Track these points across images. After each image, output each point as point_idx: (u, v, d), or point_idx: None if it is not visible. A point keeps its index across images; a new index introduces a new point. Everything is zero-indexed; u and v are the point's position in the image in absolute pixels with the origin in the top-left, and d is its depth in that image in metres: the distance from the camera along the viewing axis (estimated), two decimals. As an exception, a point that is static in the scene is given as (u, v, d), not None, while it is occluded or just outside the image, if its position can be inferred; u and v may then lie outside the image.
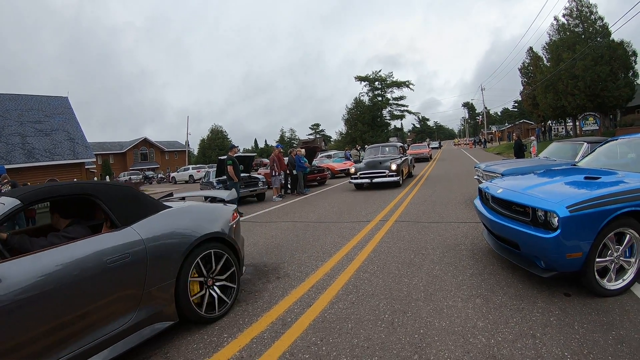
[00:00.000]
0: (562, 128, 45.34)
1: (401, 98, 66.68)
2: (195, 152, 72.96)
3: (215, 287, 3.58)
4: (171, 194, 5.04)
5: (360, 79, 65.23)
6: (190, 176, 36.37)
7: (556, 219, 3.15)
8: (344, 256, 5.28)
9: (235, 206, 4.49)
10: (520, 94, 44.80)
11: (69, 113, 27.65)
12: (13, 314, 2.24)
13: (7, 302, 2.22)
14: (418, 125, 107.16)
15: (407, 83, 65.51)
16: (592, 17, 28.29)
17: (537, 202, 3.44)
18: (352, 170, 13.86)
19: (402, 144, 17.70)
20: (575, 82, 26.96)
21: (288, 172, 14.41)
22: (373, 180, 12.99)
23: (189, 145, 56.27)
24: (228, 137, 68.27)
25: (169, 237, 3.23)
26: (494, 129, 78.39)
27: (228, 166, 10.27)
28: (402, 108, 67.66)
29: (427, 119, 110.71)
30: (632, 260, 3.36)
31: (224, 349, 2.99)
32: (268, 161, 18.21)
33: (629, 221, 3.24)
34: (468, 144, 65.58)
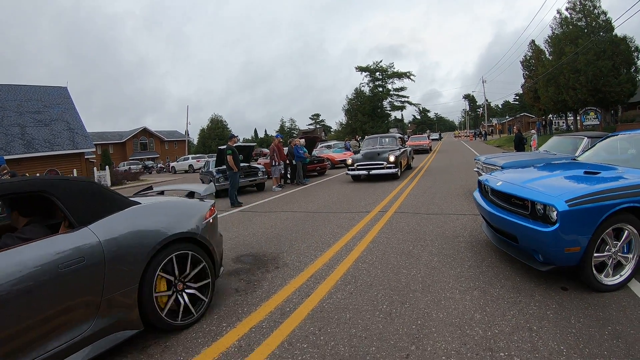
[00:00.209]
0: (563, 122, 45.20)
1: (402, 89, 66.47)
2: (195, 142, 72.68)
3: (186, 292, 3.30)
4: (150, 187, 4.80)
5: (361, 69, 64.87)
6: (190, 166, 36.32)
7: (555, 213, 3.15)
8: (342, 247, 5.30)
9: (213, 202, 4.16)
10: (521, 86, 44.54)
11: (68, 103, 27.53)
12: None
13: None
14: (418, 117, 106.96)
15: (408, 74, 65.24)
16: (596, 11, 28.02)
17: (536, 196, 3.45)
18: (349, 161, 13.64)
19: (401, 135, 17.46)
20: (577, 76, 26.81)
21: (288, 162, 14.40)
22: (370, 172, 12.81)
23: (188, 134, 56.24)
24: (228, 126, 67.94)
25: (131, 238, 2.93)
26: (494, 121, 78.17)
27: (228, 156, 10.24)
28: (403, 99, 67.50)
29: (428, 111, 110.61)
30: (630, 256, 3.38)
31: (223, 338, 3.02)
32: (268, 151, 18.19)
33: (628, 217, 3.25)
34: (468, 136, 65.41)
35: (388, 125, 59.73)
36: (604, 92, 26.22)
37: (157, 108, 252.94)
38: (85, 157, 26.89)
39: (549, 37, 32.30)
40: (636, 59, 26.90)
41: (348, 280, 4.05)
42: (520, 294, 3.39)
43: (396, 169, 12.65)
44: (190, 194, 4.36)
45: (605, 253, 3.31)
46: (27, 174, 11.39)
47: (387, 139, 15.36)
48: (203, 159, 31.12)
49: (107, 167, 28.20)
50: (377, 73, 64.83)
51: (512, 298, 3.31)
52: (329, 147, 26.95)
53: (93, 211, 2.90)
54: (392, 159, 12.60)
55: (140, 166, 43.61)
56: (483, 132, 55.37)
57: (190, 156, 40.38)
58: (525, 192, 3.65)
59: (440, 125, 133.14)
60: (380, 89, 64.77)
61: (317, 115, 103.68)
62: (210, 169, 13.89)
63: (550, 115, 42.29)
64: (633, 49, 26.86)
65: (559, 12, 30.68)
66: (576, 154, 6.50)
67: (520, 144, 14.64)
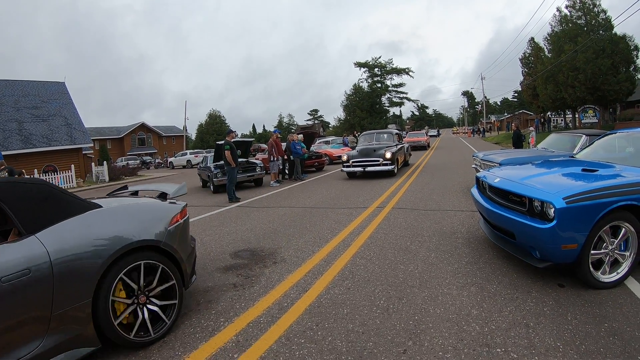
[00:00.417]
0: (562, 120, 45.26)
1: (401, 85, 66.53)
2: (193, 137, 72.64)
3: (148, 306, 3.00)
4: (125, 187, 4.54)
5: (359, 65, 64.83)
6: (188, 161, 36.27)
7: (552, 210, 3.16)
8: (340, 242, 5.30)
9: (183, 204, 3.81)
10: (520, 84, 44.52)
11: (66, 98, 27.38)
12: None
13: None
14: (417, 113, 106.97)
15: (406, 70, 65.25)
16: (595, 9, 27.96)
17: (534, 193, 3.46)
18: (344, 157, 13.38)
19: (398, 131, 17.17)
20: (575, 74, 26.79)
21: (286, 157, 14.39)
22: (366, 169, 12.60)
23: (186, 130, 56.08)
24: (226, 122, 67.87)
25: (84, 246, 2.66)
26: (493, 118, 78.10)
27: (225, 151, 10.23)
28: (402, 95, 67.54)
29: (427, 107, 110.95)
30: (627, 253, 3.39)
31: (221, 333, 3.02)
32: (266, 146, 18.16)
33: (625, 215, 3.26)
34: (467, 132, 65.48)
35: (387, 121, 59.85)
36: (603, 90, 26.22)
37: (155, 103, 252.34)
38: (83, 152, 26.81)
39: (548, 34, 32.27)
40: (635, 58, 26.90)
41: (346, 275, 4.06)
42: (517, 290, 3.40)
43: (392, 166, 12.44)
44: (163, 195, 4.01)
45: (603, 250, 3.32)
46: (24, 171, 11.29)
47: (383, 135, 15.12)
48: (201, 155, 31.04)
49: (105, 162, 28.10)
50: (376, 69, 64.84)
51: (509, 294, 3.32)
52: (327, 142, 26.91)
53: (44, 217, 2.65)
54: (388, 155, 12.40)
55: (138, 161, 43.46)
56: (481, 129, 55.38)
57: (188, 151, 40.30)
58: (522, 188, 3.65)
59: (439, 121, 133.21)
60: (379, 85, 64.76)
61: (316, 110, 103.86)
62: (208, 165, 13.86)
63: (549, 113, 42.32)
64: (632, 47, 26.84)
65: (558, 9, 30.63)
66: (574, 152, 6.53)
67: (518, 141, 14.64)
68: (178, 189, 4.10)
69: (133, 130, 61.04)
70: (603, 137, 5.30)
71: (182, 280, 3.30)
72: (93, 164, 27.54)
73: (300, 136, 16.08)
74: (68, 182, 22.06)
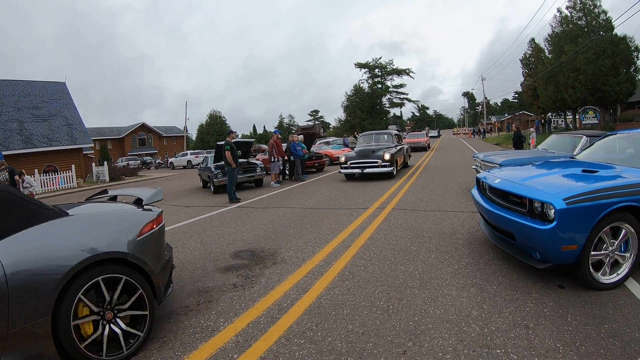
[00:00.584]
0: (562, 121, 45.20)
1: (401, 86, 66.73)
2: (194, 138, 72.61)
3: (115, 323, 2.77)
4: (105, 191, 4.33)
5: (360, 65, 64.95)
6: (189, 161, 36.31)
7: (553, 211, 3.16)
8: (340, 243, 5.30)
9: (159, 210, 3.55)
10: (520, 85, 44.52)
11: (67, 98, 27.43)
12: None
13: None
14: (418, 114, 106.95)
15: (407, 71, 65.42)
16: (596, 10, 27.94)
17: (534, 193, 3.45)
18: (342, 159, 13.12)
19: (397, 132, 16.86)
20: (576, 75, 26.77)
21: (286, 158, 14.39)
22: (364, 171, 12.30)
23: (187, 130, 56.10)
24: (227, 122, 67.85)
25: (42, 260, 2.46)
26: (493, 119, 78.11)
27: (226, 151, 10.23)
28: (402, 96, 67.65)
29: (427, 108, 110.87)
30: (627, 255, 3.39)
31: (220, 334, 3.02)
32: (266, 147, 18.15)
33: (625, 216, 3.26)
34: (467, 133, 65.46)
35: (387, 122, 59.86)
36: (603, 91, 26.21)
37: (155, 104, 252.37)
38: (84, 152, 26.86)
39: (548, 35, 32.25)
40: (636, 59, 26.88)
41: (346, 276, 4.05)
42: (517, 291, 3.39)
43: (391, 168, 12.16)
44: (139, 201, 3.71)
45: (603, 251, 3.32)
46: (24, 171, 11.31)
47: (382, 136, 14.82)
48: (201, 155, 31.07)
49: (105, 162, 28.14)
50: (377, 70, 64.92)
51: (509, 295, 3.32)
52: (327, 143, 26.93)
53: (1, 226, 2.46)
54: (387, 157, 12.12)
55: (139, 162, 43.49)
56: (482, 130, 55.36)
57: (188, 152, 40.38)
58: (523, 189, 3.65)
59: (440, 122, 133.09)
60: (380, 86, 64.82)
61: (316, 111, 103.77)
62: (209, 165, 13.86)
63: (549, 114, 42.28)
64: (633, 48, 26.83)
65: (559, 10, 30.63)
66: (574, 153, 6.52)
67: (518, 142, 14.67)
68: (153, 194, 3.77)
69: (134, 131, 61.08)
70: (603, 138, 5.29)
71: (154, 294, 3.06)
72: (93, 164, 27.56)
73: (301, 137, 16.04)
74: (68, 182, 22.10)
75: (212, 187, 12.66)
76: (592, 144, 5.43)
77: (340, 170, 13.12)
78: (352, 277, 4.02)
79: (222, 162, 11.37)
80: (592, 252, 3.25)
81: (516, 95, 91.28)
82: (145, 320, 2.92)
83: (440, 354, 2.52)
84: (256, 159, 16.37)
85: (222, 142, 11.10)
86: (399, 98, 67.87)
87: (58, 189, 21.37)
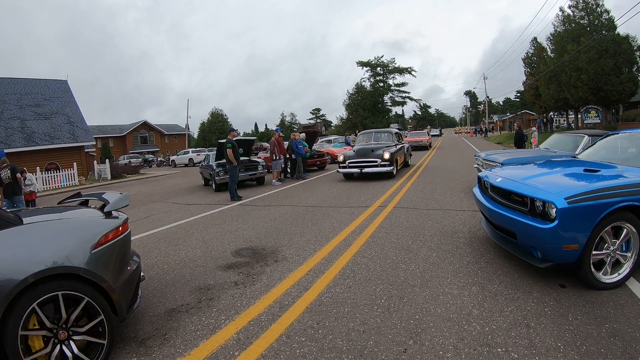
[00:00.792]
0: (564, 120, 45.19)
1: (403, 84, 66.58)
2: (195, 136, 72.60)
3: (70, 344, 2.49)
4: (79, 194, 4.03)
5: (362, 64, 64.84)
6: (190, 159, 36.31)
7: (554, 210, 3.16)
8: (341, 241, 5.31)
9: (124, 217, 3.30)
10: (522, 84, 44.48)
11: (69, 96, 27.47)
12: None
13: None
14: (419, 113, 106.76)
15: (409, 69, 65.23)
16: (598, 9, 27.87)
17: (535, 193, 3.45)
18: (341, 158, 12.75)
19: (398, 131, 16.48)
20: (578, 74, 26.71)
21: (288, 156, 14.39)
22: (363, 170, 11.97)
23: (189, 128, 56.06)
24: (228, 120, 67.87)
25: None
26: (495, 118, 78.04)
27: (227, 149, 10.23)
28: (404, 94, 67.52)
29: (429, 106, 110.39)
30: (628, 254, 3.38)
31: (222, 331, 3.03)
32: (268, 145, 18.15)
33: (627, 215, 3.26)
34: (469, 132, 65.41)
35: (389, 121, 59.84)
36: (606, 90, 26.15)
37: (157, 101, 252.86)
38: (86, 150, 26.90)
39: (551, 34, 32.20)
40: (638, 58, 26.82)
41: (347, 274, 4.06)
42: (518, 290, 3.40)
43: (391, 167, 11.79)
44: (103, 207, 3.30)
45: (604, 251, 3.31)
46: (25, 169, 11.32)
47: (382, 135, 14.44)
48: (203, 153, 31.09)
49: (107, 160, 28.17)
50: (378, 68, 64.82)
51: (510, 294, 3.32)
52: (329, 141, 26.90)
53: None
54: (387, 156, 11.76)
55: (141, 160, 43.57)
56: (483, 129, 55.30)
57: (190, 150, 40.38)
58: (524, 188, 3.65)
59: (441, 121, 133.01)
60: (382, 84, 64.74)
61: (318, 109, 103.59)
62: (210, 163, 13.88)
63: (551, 113, 42.21)
64: (635, 48, 26.77)
65: (561, 9, 30.58)
66: (576, 152, 6.51)
67: (520, 141, 14.60)
68: (118, 200, 3.36)
69: (135, 129, 61.11)
70: (605, 137, 5.29)
71: (114, 311, 2.76)
72: (95, 162, 27.68)
73: (303, 135, 16.03)
74: (70, 180, 22.14)
75: (213, 185, 12.67)
76: (594, 143, 5.43)
77: (339, 169, 12.77)
78: (353, 275, 4.03)
79: (224, 160, 11.38)
80: (594, 252, 3.25)
81: (518, 95, 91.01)
82: (101, 349, 2.62)
83: (441, 353, 2.52)
84: (258, 157, 16.37)
85: (224, 140, 11.11)
86: (401, 96, 67.72)
87: (60, 186, 21.44)
